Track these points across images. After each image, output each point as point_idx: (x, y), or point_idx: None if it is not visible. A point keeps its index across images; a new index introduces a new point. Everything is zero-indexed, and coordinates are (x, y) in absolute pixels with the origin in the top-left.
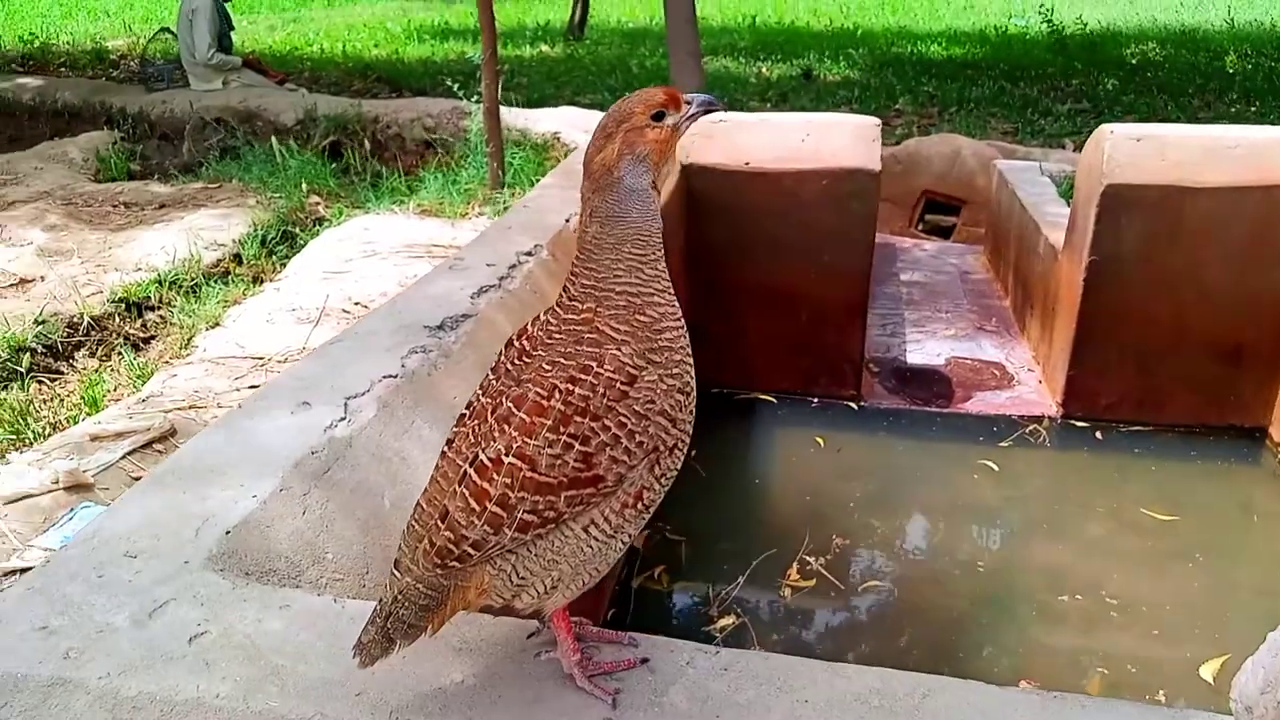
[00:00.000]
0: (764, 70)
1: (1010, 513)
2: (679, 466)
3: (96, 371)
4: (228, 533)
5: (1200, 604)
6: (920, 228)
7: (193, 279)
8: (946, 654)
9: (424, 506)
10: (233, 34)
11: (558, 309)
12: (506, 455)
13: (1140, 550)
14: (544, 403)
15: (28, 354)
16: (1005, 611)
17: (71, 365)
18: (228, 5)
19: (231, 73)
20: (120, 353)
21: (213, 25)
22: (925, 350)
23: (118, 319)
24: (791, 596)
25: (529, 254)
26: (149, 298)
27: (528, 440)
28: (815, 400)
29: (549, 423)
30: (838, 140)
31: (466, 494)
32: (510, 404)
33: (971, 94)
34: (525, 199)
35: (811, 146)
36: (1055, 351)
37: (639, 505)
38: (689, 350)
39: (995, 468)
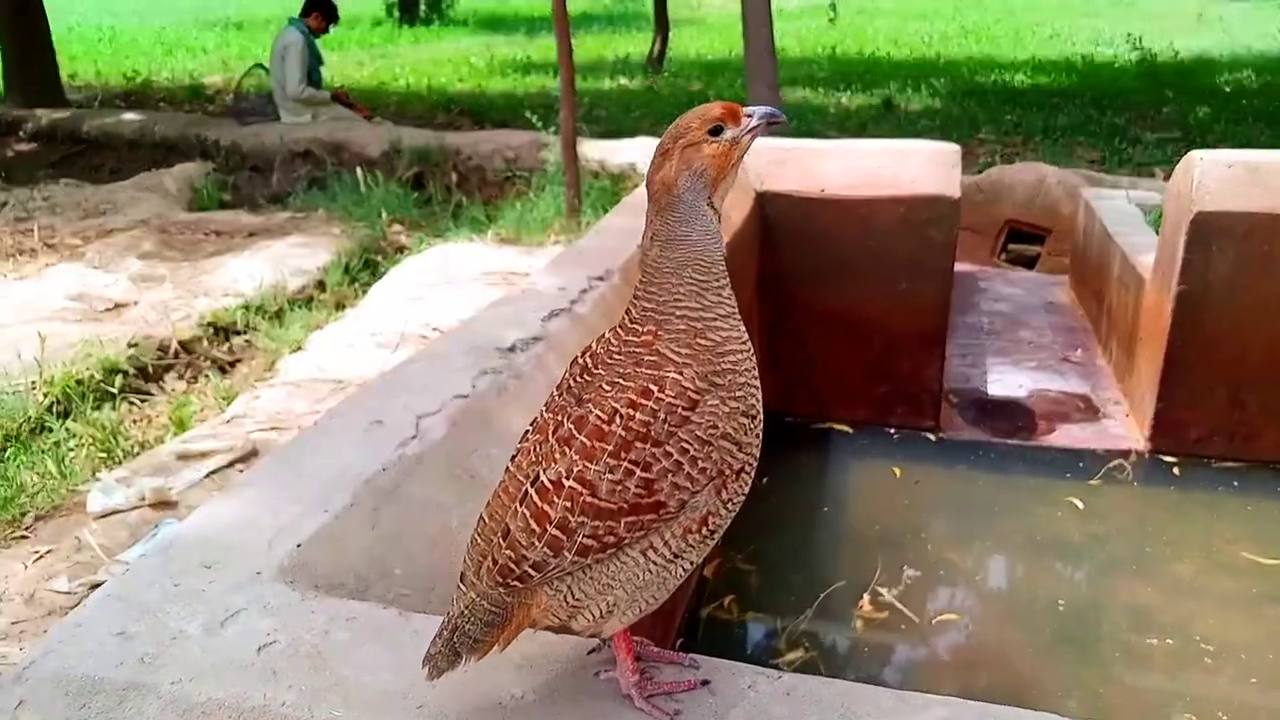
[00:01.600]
0: (843, 100)
1: (1094, 549)
2: (746, 491)
3: (184, 393)
4: (299, 546)
5: None
6: (1003, 257)
7: (278, 305)
8: (1024, 692)
9: (486, 520)
10: (323, 69)
11: (619, 330)
12: (567, 479)
13: (1234, 592)
14: (604, 427)
15: (120, 375)
16: (1088, 650)
17: (161, 387)
18: (318, 41)
19: (321, 107)
20: (207, 375)
21: (303, 61)
22: (1007, 381)
23: (205, 343)
24: (863, 628)
25: (600, 279)
26: (235, 323)
27: (588, 465)
28: (892, 431)
29: (609, 448)
30: (915, 167)
31: (527, 514)
32: (571, 425)
33: (1057, 122)
34: (597, 226)
35: (889, 173)
36: (1143, 384)
37: (703, 530)
38: (755, 374)
39: (1079, 504)
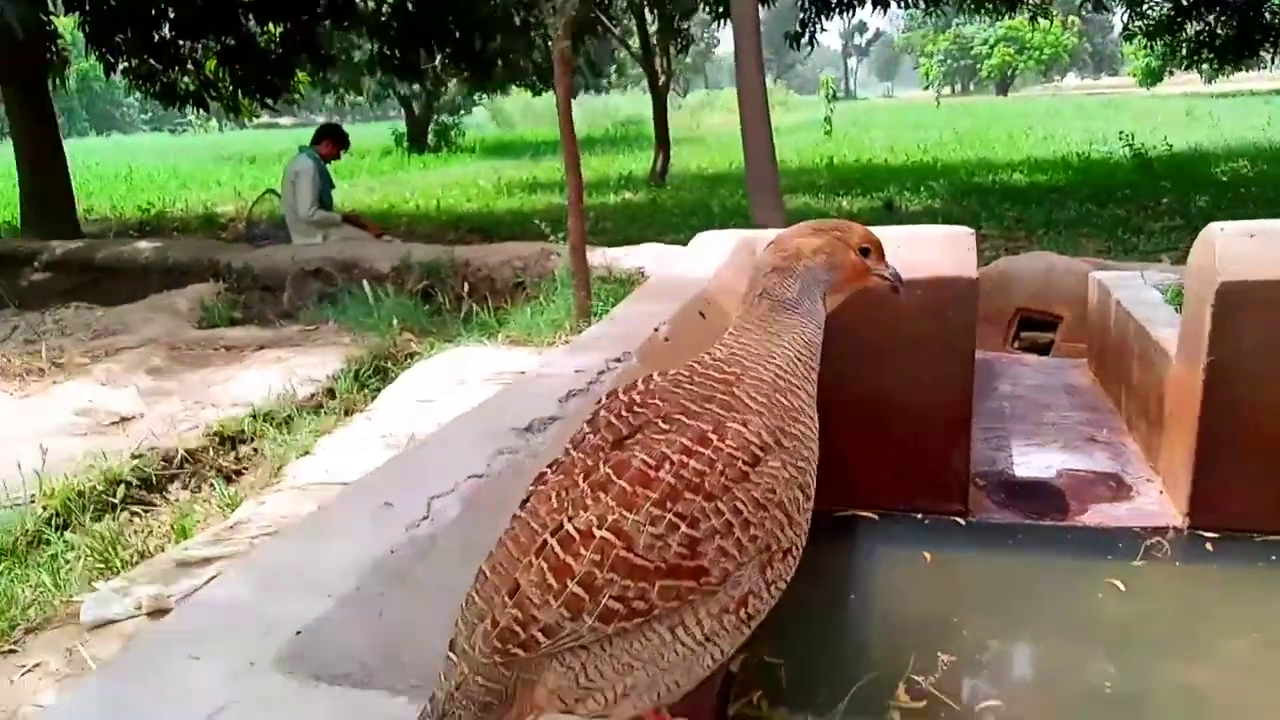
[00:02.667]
0: (844, 204)
1: (1140, 630)
2: (790, 576)
3: (188, 502)
4: (298, 633)
5: None
6: (1016, 346)
7: (286, 413)
8: None
9: (488, 575)
10: (333, 192)
11: (695, 364)
12: (599, 528)
13: None
14: (650, 472)
15: (123, 486)
16: None
17: (165, 497)
18: (329, 166)
19: (332, 228)
20: (212, 484)
21: (315, 185)
22: (1034, 463)
23: (211, 452)
24: (901, 719)
25: (618, 360)
26: (243, 431)
27: (626, 514)
28: (920, 516)
29: (654, 496)
30: (932, 250)
31: (545, 567)
32: (609, 469)
33: (1058, 217)
34: (611, 313)
35: (905, 257)
36: (1176, 459)
37: (742, 613)
38: (816, 453)
39: (1120, 585)
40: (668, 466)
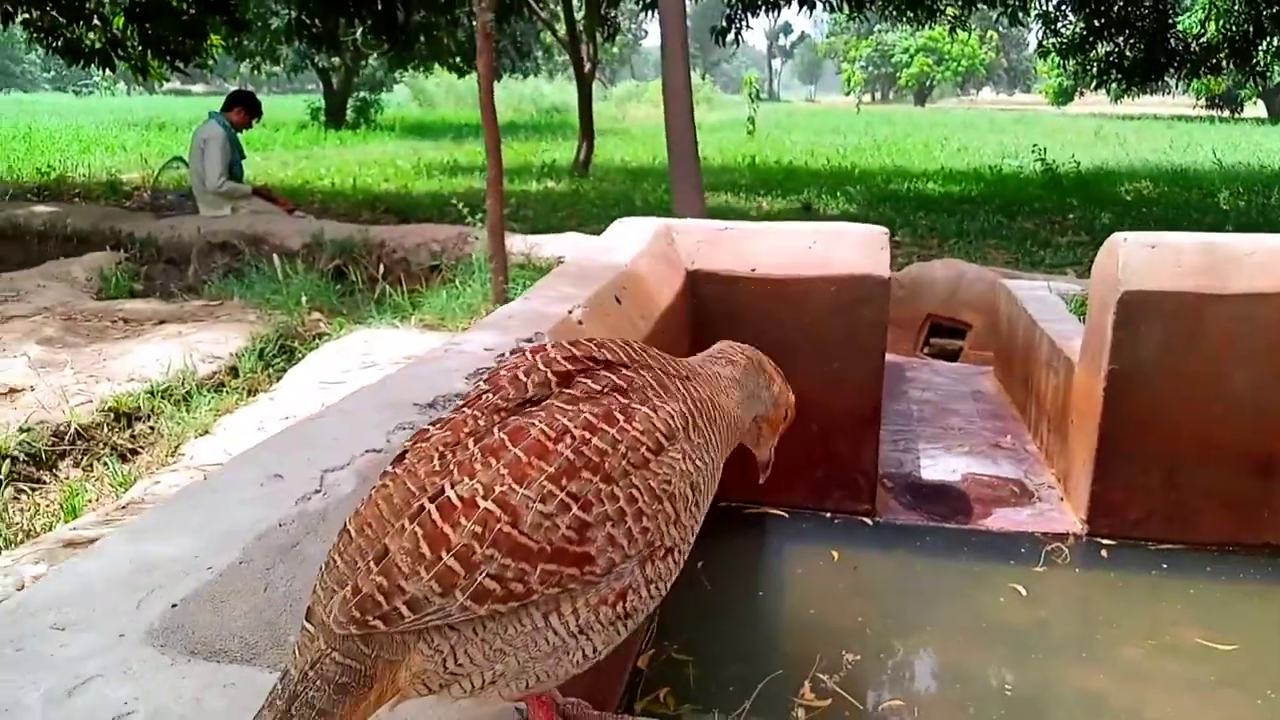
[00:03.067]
0: (764, 204)
1: (1039, 634)
2: (671, 580)
3: (79, 481)
4: (174, 606)
5: None
6: (925, 351)
7: (185, 390)
8: None
9: (353, 536)
10: (244, 163)
11: (624, 342)
12: (484, 498)
13: (1184, 676)
14: (549, 444)
15: (8, 461)
16: None
17: (55, 474)
18: (240, 135)
19: (241, 200)
20: (106, 463)
21: (224, 154)
22: (940, 466)
23: (106, 429)
24: (806, 717)
25: (529, 340)
26: (139, 408)
27: (516, 487)
28: (828, 515)
29: (550, 470)
30: (846, 248)
31: (419, 534)
32: (504, 434)
33: (969, 227)
34: (526, 293)
35: (819, 254)
36: (1076, 467)
37: (619, 608)
38: (717, 467)
39: (1021, 589)
40: (568, 440)
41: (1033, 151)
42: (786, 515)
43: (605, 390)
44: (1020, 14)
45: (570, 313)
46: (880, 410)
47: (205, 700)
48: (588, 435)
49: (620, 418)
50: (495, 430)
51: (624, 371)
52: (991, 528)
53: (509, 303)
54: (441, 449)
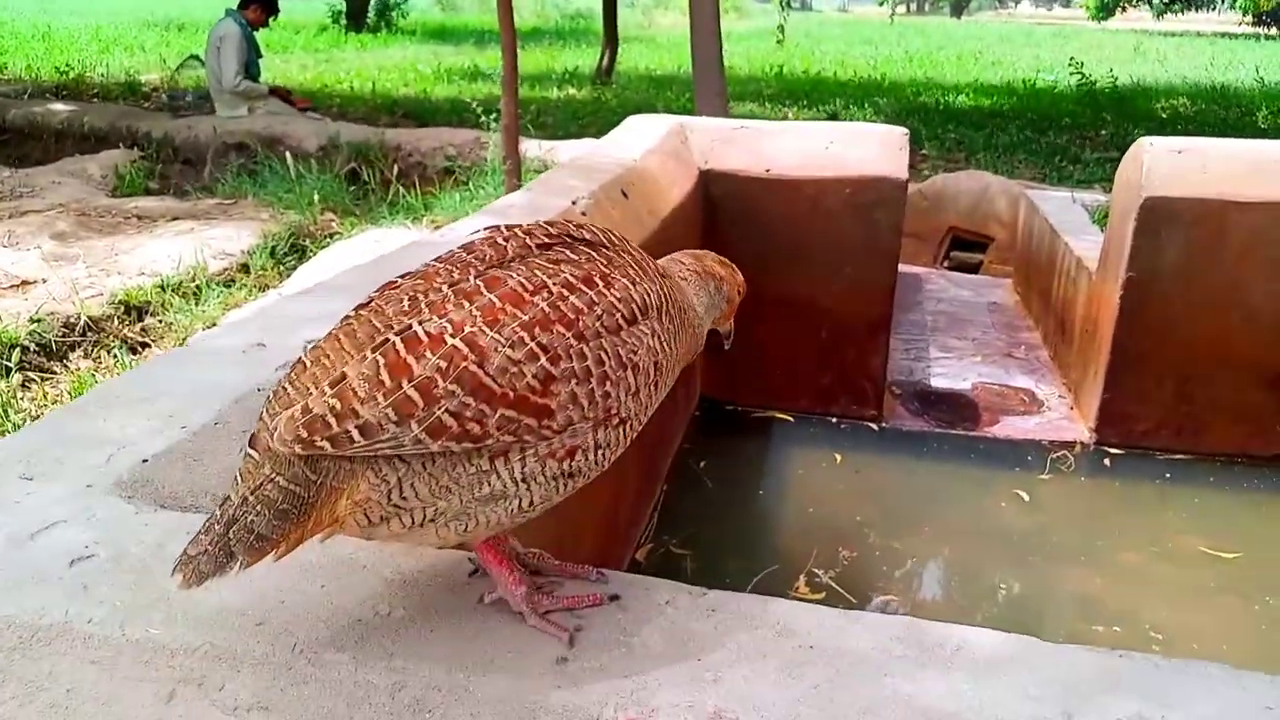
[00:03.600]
0: (789, 115)
1: (1039, 539)
2: (618, 451)
3: (89, 371)
4: (145, 460)
5: (1255, 636)
6: (945, 265)
7: (196, 285)
8: None
9: (308, 365)
10: (260, 62)
11: (628, 240)
12: (452, 335)
13: (1183, 582)
14: (525, 295)
15: (19, 351)
16: (1030, 634)
17: (65, 365)
18: (256, 34)
19: (257, 100)
20: (115, 354)
21: (240, 53)
22: (950, 375)
23: (116, 321)
24: None
25: None
26: (149, 302)
27: (487, 329)
28: (835, 420)
29: (524, 318)
30: (863, 148)
31: (381, 363)
32: (480, 282)
33: (998, 141)
34: (529, 185)
35: (836, 154)
36: (1088, 376)
37: (566, 465)
38: (677, 363)
39: (1024, 495)
40: (545, 295)
41: (1070, 65)
42: (792, 420)
43: (586, 261)
44: None
45: (574, 203)
46: (891, 317)
47: (166, 546)
48: (565, 293)
49: (600, 283)
50: (472, 278)
51: (604, 250)
52: (998, 435)
53: None
54: (413, 294)
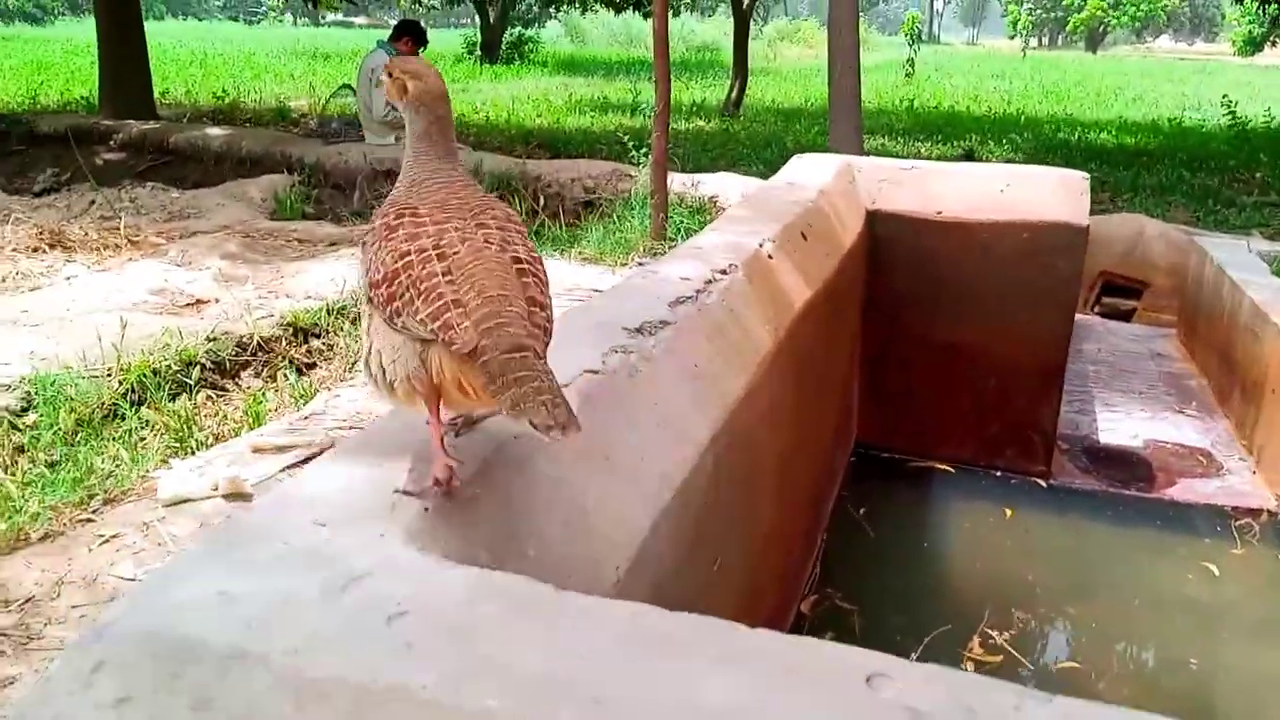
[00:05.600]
0: (923, 149)
1: (1226, 612)
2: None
3: (261, 390)
4: (426, 509)
5: None
6: (1096, 310)
7: (359, 308)
8: None
9: (495, 293)
10: None
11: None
12: (531, 260)
13: None
14: (513, 221)
15: (197, 368)
16: (1231, 715)
17: (237, 383)
18: None
19: (403, 131)
20: (285, 374)
21: None
22: (1119, 431)
23: (284, 342)
24: (975, 672)
25: (723, 272)
26: (316, 325)
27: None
28: (998, 473)
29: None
30: (1041, 192)
31: (534, 283)
32: (492, 219)
33: (1145, 181)
34: (711, 226)
35: (1011, 197)
36: (1275, 439)
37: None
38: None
39: (1212, 566)
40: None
41: (1223, 103)
42: (953, 471)
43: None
44: None
45: (760, 246)
46: (1065, 368)
47: (477, 606)
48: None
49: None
50: (487, 218)
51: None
52: (1176, 498)
53: (668, 239)
54: (472, 229)
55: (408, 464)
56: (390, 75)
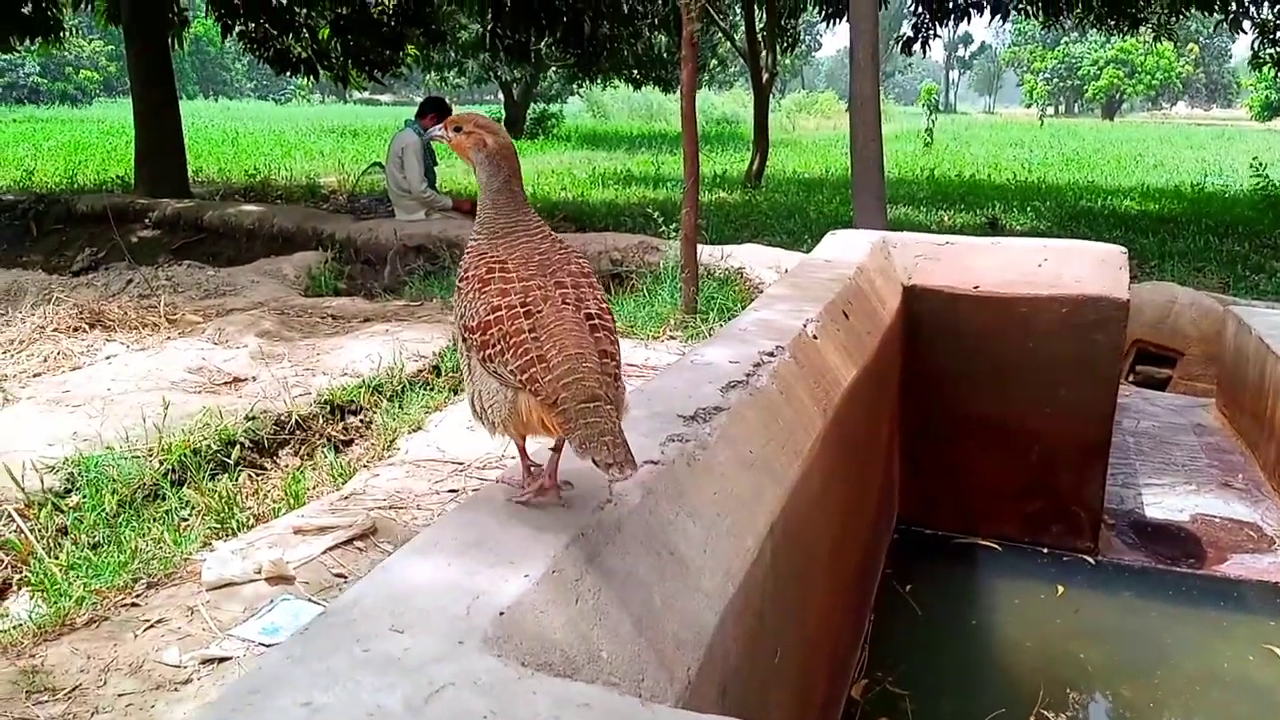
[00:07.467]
0: (945, 218)
1: None
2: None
3: (299, 469)
4: (501, 614)
5: None
6: (1131, 380)
7: (396, 385)
8: None
9: (571, 350)
10: (435, 169)
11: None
12: (601, 314)
13: None
14: (582, 277)
15: (236, 447)
16: None
17: (275, 462)
18: (433, 144)
19: (438, 210)
20: (323, 452)
21: (421, 160)
22: (1165, 505)
23: (321, 420)
24: None
25: (770, 354)
26: (353, 401)
27: (601, 302)
28: (1044, 550)
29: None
30: (1079, 266)
31: (604, 337)
32: (568, 275)
33: (1173, 248)
34: (752, 306)
35: (1050, 272)
36: None
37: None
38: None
39: (1267, 642)
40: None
41: (1253, 166)
42: (999, 548)
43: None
44: (1240, 20)
45: (805, 326)
46: (1109, 443)
47: (562, 716)
48: (582, 263)
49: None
50: (565, 273)
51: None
52: (1229, 574)
53: (698, 312)
54: (545, 287)
55: (484, 563)
56: (460, 130)
